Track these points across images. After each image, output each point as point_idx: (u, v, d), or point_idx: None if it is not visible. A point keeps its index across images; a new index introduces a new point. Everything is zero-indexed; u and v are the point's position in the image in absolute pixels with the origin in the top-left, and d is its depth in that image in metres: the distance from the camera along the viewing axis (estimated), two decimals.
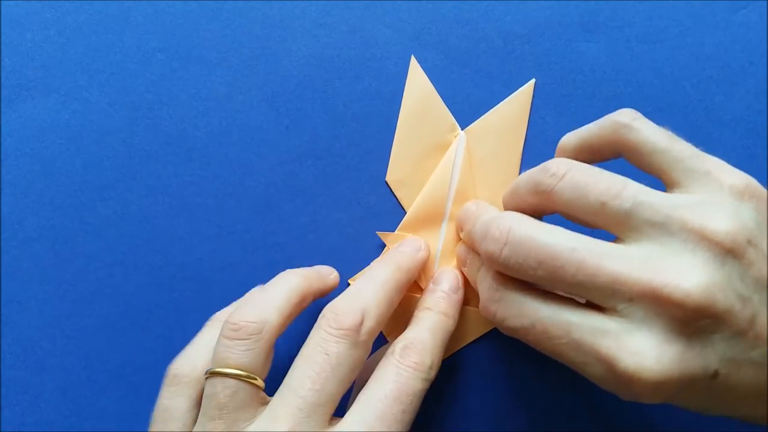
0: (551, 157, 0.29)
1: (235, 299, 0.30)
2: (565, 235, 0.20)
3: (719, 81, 0.29)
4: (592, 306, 0.20)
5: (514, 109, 0.29)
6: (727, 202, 0.20)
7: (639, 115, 0.22)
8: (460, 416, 0.29)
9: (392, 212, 0.30)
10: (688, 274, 0.18)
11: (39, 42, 0.31)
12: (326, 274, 0.28)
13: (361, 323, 0.22)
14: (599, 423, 0.29)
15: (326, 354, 0.22)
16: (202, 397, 0.24)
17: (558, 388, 0.29)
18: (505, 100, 0.29)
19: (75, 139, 0.31)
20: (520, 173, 0.29)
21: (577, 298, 0.21)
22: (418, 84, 0.30)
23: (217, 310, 0.29)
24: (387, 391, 0.22)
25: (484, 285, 0.23)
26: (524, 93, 0.29)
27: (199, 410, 0.23)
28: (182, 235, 0.30)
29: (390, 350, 0.24)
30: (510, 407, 0.29)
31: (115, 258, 0.30)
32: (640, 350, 0.18)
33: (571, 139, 0.24)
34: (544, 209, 0.23)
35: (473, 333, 0.29)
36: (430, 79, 0.30)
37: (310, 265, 0.29)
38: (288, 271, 0.26)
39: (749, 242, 0.19)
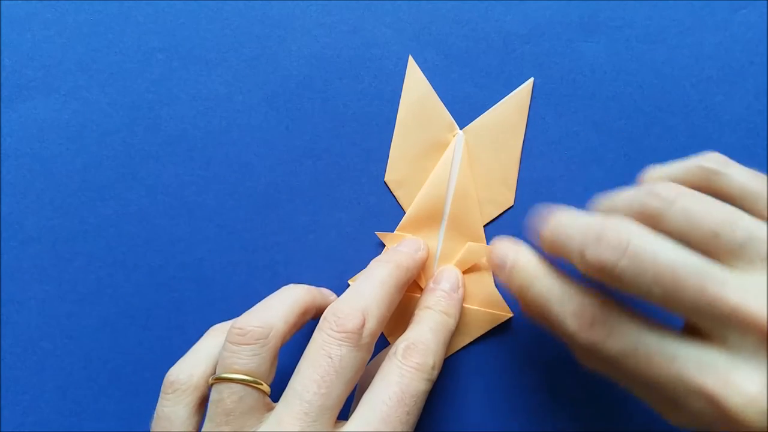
0: (551, 157, 0.29)
1: (234, 300, 0.30)
2: (686, 254, 0.19)
3: (719, 81, 0.29)
4: (693, 332, 0.20)
5: (513, 108, 0.29)
6: None
7: (726, 158, 0.22)
8: (460, 416, 0.29)
9: (392, 212, 0.30)
10: None
11: (39, 42, 0.31)
12: (327, 294, 0.28)
13: (363, 325, 0.22)
14: (599, 423, 0.29)
15: (330, 357, 0.22)
16: (201, 404, 0.24)
17: (558, 388, 0.29)
18: (504, 99, 0.29)
19: (75, 139, 0.31)
20: (519, 172, 0.29)
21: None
22: (415, 83, 0.30)
23: (218, 311, 0.29)
24: (391, 393, 0.22)
25: (580, 301, 0.21)
26: (523, 92, 0.29)
27: (199, 417, 0.23)
28: (182, 235, 0.30)
29: (392, 351, 0.24)
30: (510, 407, 0.29)
31: (115, 258, 0.30)
32: (752, 390, 0.18)
33: (655, 176, 0.24)
34: None
35: (474, 333, 0.29)
36: (430, 79, 0.30)
37: (310, 265, 0.29)
38: (291, 284, 0.27)
39: None
